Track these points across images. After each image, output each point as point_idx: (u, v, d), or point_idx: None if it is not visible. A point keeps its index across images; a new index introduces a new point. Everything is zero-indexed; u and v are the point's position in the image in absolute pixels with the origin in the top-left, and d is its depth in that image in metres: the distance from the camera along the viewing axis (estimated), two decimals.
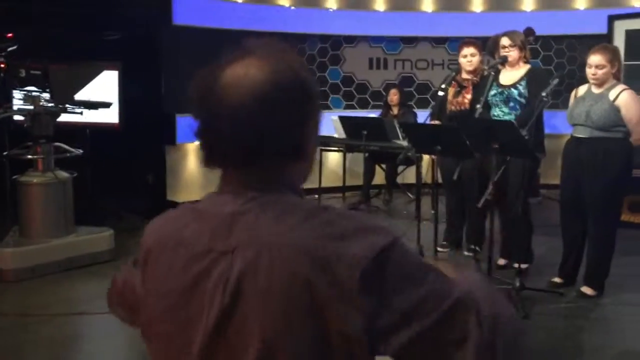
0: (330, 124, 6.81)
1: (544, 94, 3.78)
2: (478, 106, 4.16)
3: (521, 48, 4.25)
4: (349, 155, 7.10)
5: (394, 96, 6.99)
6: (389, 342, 0.88)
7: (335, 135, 6.82)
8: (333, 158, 7.50)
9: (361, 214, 1.00)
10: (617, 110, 3.80)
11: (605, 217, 3.94)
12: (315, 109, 1.01)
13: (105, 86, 5.77)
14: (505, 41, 4.29)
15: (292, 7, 7.32)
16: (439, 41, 7.83)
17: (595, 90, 3.92)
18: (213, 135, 0.97)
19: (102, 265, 4.85)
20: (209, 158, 0.99)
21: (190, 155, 6.97)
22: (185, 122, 6.69)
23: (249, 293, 0.91)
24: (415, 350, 0.90)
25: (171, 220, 1.04)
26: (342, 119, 6.49)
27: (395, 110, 7.02)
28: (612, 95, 3.83)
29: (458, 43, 4.94)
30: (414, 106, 7.60)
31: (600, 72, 3.83)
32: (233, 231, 0.94)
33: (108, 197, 6.08)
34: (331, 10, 7.51)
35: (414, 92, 7.87)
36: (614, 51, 3.96)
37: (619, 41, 6.52)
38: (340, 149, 6.82)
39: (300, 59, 1.03)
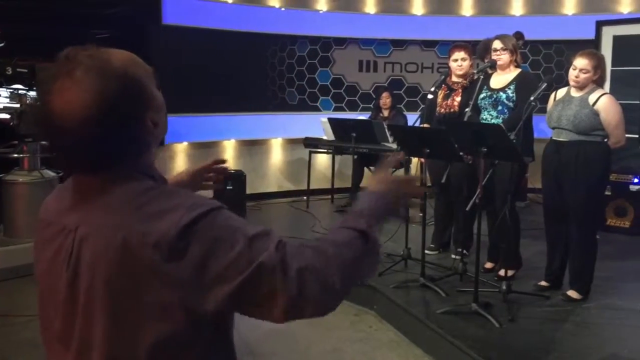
0: (319, 125, 6.81)
1: (532, 98, 3.80)
2: (467, 110, 4.18)
3: (512, 52, 4.27)
4: (337, 157, 7.11)
5: (386, 99, 7.00)
6: (209, 299, 1.00)
7: (324, 137, 6.83)
8: (322, 160, 7.50)
9: (187, 192, 1.14)
10: (596, 114, 3.84)
11: (586, 220, 3.96)
12: (150, 93, 1.11)
13: None
14: (497, 44, 4.30)
15: (282, 8, 7.31)
16: (428, 44, 7.85)
17: (575, 93, 3.96)
18: (59, 155, 1.08)
19: None
20: (64, 171, 1.12)
21: (178, 155, 6.94)
22: (172, 122, 6.66)
23: (83, 265, 1.05)
24: (234, 304, 1.03)
25: (52, 199, 1.19)
26: (331, 121, 6.50)
27: (386, 113, 7.03)
28: (591, 99, 3.87)
29: (447, 46, 4.96)
30: (403, 109, 7.61)
31: (583, 76, 3.87)
32: (78, 212, 1.08)
33: None
34: (320, 12, 7.51)
35: (404, 95, 7.88)
36: (600, 59, 3.99)
37: (607, 47, 6.58)
38: (329, 151, 6.82)
39: (126, 57, 1.10)
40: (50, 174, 4.84)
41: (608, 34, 6.64)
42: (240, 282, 1.00)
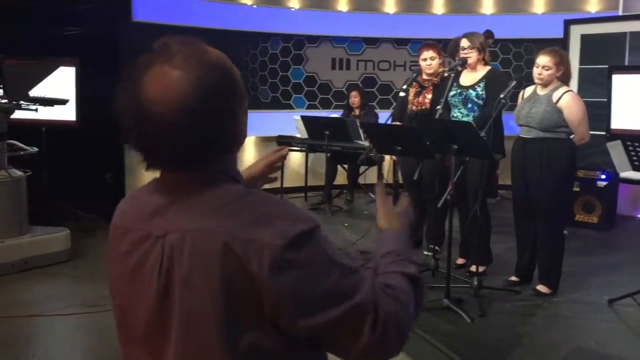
0: (292, 123, 6.81)
1: (502, 96, 3.85)
2: (438, 107, 4.21)
3: (480, 50, 4.32)
4: (311, 155, 7.11)
5: (354, 98, 7.03)
6: (293, 326, 0.97)
7: (298, 135, 6.83)
8: (295, 158, 7.50)
9: (285, 200, 1.08)
10: (559, 111, 3.91)
11: (552, 216, 4.03)
12: (242, 96, 1.07)
13: (62, 83, 5.63)
14: (464, 43, 4.35)
15: (254, 6, 7.28)
16: (401, 42, 7.90)
17: (540, 91, 4.03)
18: (145, 146, 1.02)
19: (58, 266, 4.75)
20: (148, 164, 1.04)
21: None
22: None
23: (177, 274, 0.99)
24: (316, 336, 0.99)
25: (123, 206, 1.14)
26: (305, 119, 6.50)
27: (356, 112, 7.05)
28: (555, 96, 3.94)
29: (419, 44, 4.99)
30: (376, 107, 7.65)
31: (545, 72, 3.94)
32: (165, 218, 1.02)
33: (65, 196, 5.95)
34: (293, 9, 7.50)
35: (376, 93, 7.92)
36: (562, 55, 4.07)
37: (575, 45, 6.70)
38: (303, 149, 6.82)
39: (220, 53, 1.06)
40: (17, 173, 4.75)
41: (576, 33, 6.76)
42: (334, 316, 0.96)
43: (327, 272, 0.97)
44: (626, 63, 6.36)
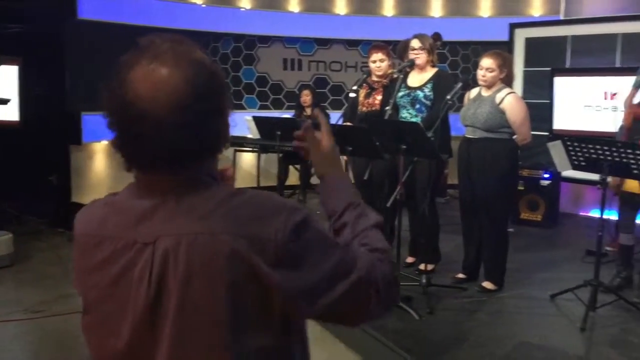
0: (244, 124, 6.77)
1: (448, 97, 3.94)
2: (387, 108, 4.27)
3: (429, 52, 4.39)
4: (263, 155, 7.09)
5: (306, 97, 7.06)
6: (310, 310, 1.00)
7: (249, 136, 6.80)
8: (247, 159, 7.47)
9: (272, 194, 1.06)
10: (502, 112, 4.03)
11: (496, 214, 4.14)
12: (228, 98, 1.05)
13: (4, 82, 5.46)
14: (415, 43, 4.42)
15: (203, 5, 7.22)
16: (352, 43, 7.97)
17: (484, 93, 4.15)
18: (133, 145, 0.98)
19: (1, 271, 4.61)
20: (130, 164, 1.01)
21: (97, 155, 6.73)
22: (91, 121, 6.45)
23: (171, 280, 0.96)
24: (328, 313, 1.02)
25: (96, 214, 1.07)
26: (257, 120, 6.47)
27: (308, 111, 7.08)
28: (498, 98, 4.06)
29: (370, 46, 5.05)
30: (328, 107, 7.69)
31: (489, 74, 4.06)
32: (154, 223, 0.99)
33: (8, 199, 5.76)
34: (243, 9, 7.46)
35: (328, 94, 7.97)
36: (505, 58, 4.19)
37: (519, 48, 6.90)
38: (255, 149, 6.79)
39: (197, 49, 1.03)
40: None
41: (521, 36, 6.96)
42: (344, 290, 1.01)
43: (328, 252, 1.01)
44: (567, 66, 6.59)
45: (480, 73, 4.10)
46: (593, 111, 6.20)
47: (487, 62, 4.08)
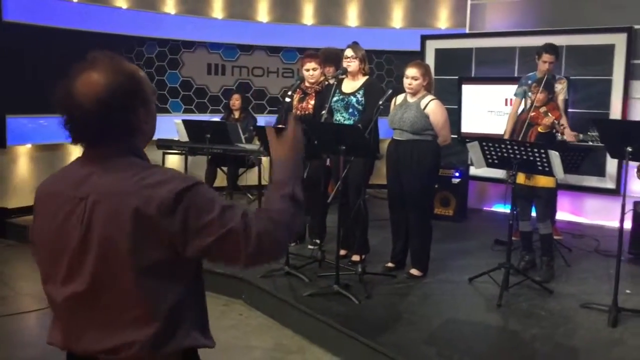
0: (169, 127, 6.88)
1: (380, 102, 4.36)
2: (323, 112, 4.62)
3: (362, 60, 4.79)
4: (190, 158, 7.23)
5: (236, 101, 7.30)
6: (189, 247, 1.39)
7: (177, 139, 6.92)
8: (174, 161, 7.57)
9: (179, 171, 1.49)
10: (426, 116, 4.50)
11: (421, 207, 4.61)
12: (146, 97, 1.48)
13: None
14: (349, 52, 4.80)
15: (127, 9, 7.25)
16: (273, 50, 8.27)
17: (410, 99, 4.61)
18: (72, 126, 1.44)
19: None
20: (74, 140, 1.46)
21: (21, 159, 6.61)
22: (16, 124, 6.34)
23: (96, 222, 1.40)
24: (207, 254, 1.42)
25: (51, 179, 1.53)
26: (186, 123, 6.61)
27: (236, 114, 7.32)
28: (422, 103, 4.54)
29: (291, 53, 5.36)
30: (251, 111, 7.95)
31: (414, 82, 4.53)
32: (87, 185, 1.43)
33: None
34: (169, 14, 7.56)
35: (251, 98, 8.22)
36: (427, 67, 4.69)
37: (430, 58, 7.51)
38: (183, 152, 6.93)
39: (133, 66, 1.49)
40: None
41: (431, 47, 7.58)
42: (214, 239, 1.39)
43: (206, 210, 1.39)
44: (473, 75, 7.27)
45: (406, 81, 4.55)
46: (495, 116, 6.92)
47: (412, 71, 4.54)
